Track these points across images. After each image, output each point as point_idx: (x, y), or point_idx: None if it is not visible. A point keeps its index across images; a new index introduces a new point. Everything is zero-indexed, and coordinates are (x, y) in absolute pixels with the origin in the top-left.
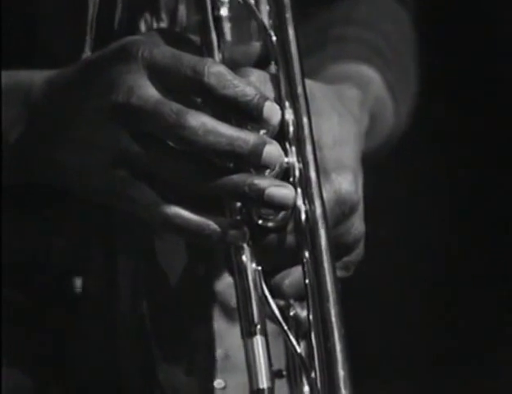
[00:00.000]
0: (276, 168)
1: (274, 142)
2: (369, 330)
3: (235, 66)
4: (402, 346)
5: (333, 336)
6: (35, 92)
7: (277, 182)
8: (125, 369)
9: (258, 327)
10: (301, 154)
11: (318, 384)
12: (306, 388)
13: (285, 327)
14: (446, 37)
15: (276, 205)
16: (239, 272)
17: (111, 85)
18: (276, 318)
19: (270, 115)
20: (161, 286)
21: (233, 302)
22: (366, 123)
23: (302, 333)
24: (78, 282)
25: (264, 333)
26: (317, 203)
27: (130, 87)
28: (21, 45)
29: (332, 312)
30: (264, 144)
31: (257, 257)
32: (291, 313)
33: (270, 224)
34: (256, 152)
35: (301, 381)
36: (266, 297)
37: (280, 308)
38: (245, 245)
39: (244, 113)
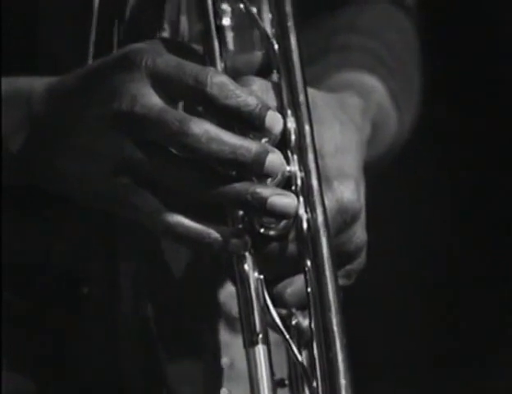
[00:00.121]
0: (279, 177)
1: (276, 151)
2: (371, 331)
3: (237, 74)
4: (404, 348)
5: (335, 345)
6: (36, 99)
7: (279, 191)
8: (127, 371)
9: (260, 336)
10: (303, 163)
11: (320, 393)
12: None
13: (287, 336)
14: (448, 39)
15: (278, 214)
16: (241, 281)
17: (113, 93)
18: (278, 327)
19: (272, 124)
20: (163, 288)
21: (235, 311)
22: (368, 131)
23: (304, 342)
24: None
25: (266, 342)
26: (319, 211)
27: (134, 95)
28: (22, 51)
29: (334, 321)
30: (267, 152)
31: (259, 266)
32: (293, 322)
33: (272, 233)
34: (259, 160)
35: (303, 390)
36: (268, 306)
37: (282, 317)
38: (247, 254)
39: (247, 123)
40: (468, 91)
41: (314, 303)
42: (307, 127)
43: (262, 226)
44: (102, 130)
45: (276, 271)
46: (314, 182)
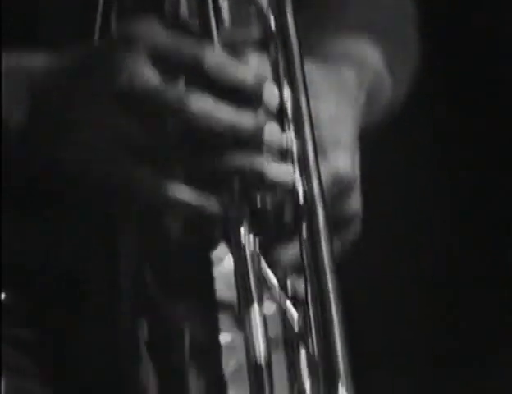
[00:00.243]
0: (276, 148)
1: (273, 123)
2: (369, 330)
3: (233, 49)
4: (402, 347)
5: (330, 308)
6: (36, 75)
7: (277, 162)
8: (128, 372)
9: (256, 300)
10: (299, 134)
11: (316, 354)
12: (303, 359)
13: (283, 299)
14: (448, 39)
15: (276, 184)
16: (236, 245)
17: (112, 71)
18: (274, 289)
19: (269, 97)
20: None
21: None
22: (362, 102)
23: (300, 305)
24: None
25: (262, 307)
26: (315, 181)
27: (132, 73)
28: (22, 26)
29: (329, 285)
30: (264, 125)
31: (255, 231)
32: (289, 285)
33: (269, 203)
34: (256, 133)
35: (298, 352)
36: (264, 269)
37: (278, 280)
38: (244, 221)
39: (244, 96)
40: (468, 91)
41: (310, 270)
42: (303, 100)
43: (258, 197)
44: (102, 107)
45: (272, 239)
46: (310, 153)
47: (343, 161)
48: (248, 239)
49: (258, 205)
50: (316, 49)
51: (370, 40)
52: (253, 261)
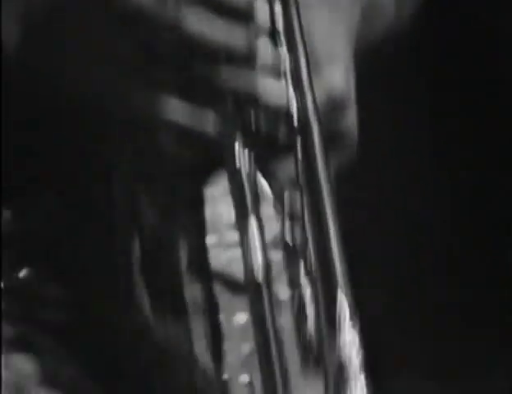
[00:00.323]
0: (269, 65)
1: (266, 38)
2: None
3: None
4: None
5: (327, 226)
6: None
7: (270, 77)
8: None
9: (251, 208)
10: (292, 50)
11: (314, 266)
12: (303, 271)
13: (280, 212)
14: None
15: (270, 100)
16: (231, 157)
17: None
18: (271, 203)
19: (260, 14)
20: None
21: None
22: (357, 18)
23: (296, 217)
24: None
25: (257, 214)
26: (309, 97)
27: None
28: None
29: (326, 202)
30: (257, 40)
31: (249, 147)
32: (285, 196)
33: (262, 120)
34: (249, 50)
35: (298, 267)
36: (259, 178)
37: (274, 195)
38: (238, 138)
39: (236, 14)
40: (469, 91)
41: (306, 187)
42: (295, 15)
43: (252, 114)
44: (100, 28)
45: (267, 155)
46: (303, 69)
47: (338, 77)
48: (243, 154)
49: (252, 122)
50: None
51: None
52: (248, 175)
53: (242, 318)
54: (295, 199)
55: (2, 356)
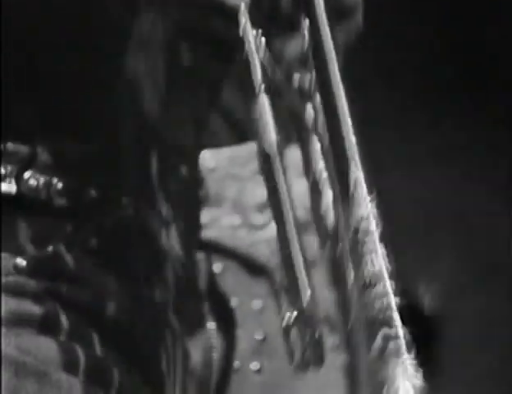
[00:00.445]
0: None
1: None
2: None
3: None
4: None
5: (337, 95)
6: None
7: None
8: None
9: (263, 86)
10: None
11: (325, 146)
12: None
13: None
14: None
15: None
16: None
17: None
18: (280, 82)
19: None
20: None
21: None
22: None
23: (307, 96)
24: None
25: (268, 92)
26: None
27: None
28: None
29: (335, 73)
30: None
31: (258, 24)
32: (295, 79)
33: None
34: None
35: (308, 145)
36: (267, 62)
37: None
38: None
39: None
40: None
41: (314, 56)
42: None
43: None
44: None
45: (274, 30)
46: None
47: None
48: (250, 32)
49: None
50: None
51: None
52: (257, 51)
53: (258, 304)
54: (305, 78)
55: (22, 338)
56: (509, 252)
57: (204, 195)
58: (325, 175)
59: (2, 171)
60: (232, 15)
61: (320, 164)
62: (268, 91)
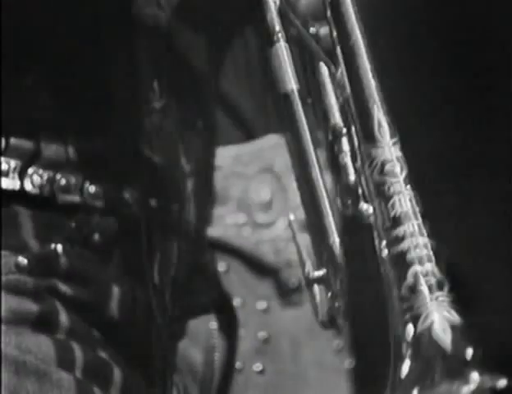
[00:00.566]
0: None
1: None
2: None
3: None
4: None
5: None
6: None
7: None
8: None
9: (280, 34)
10: None
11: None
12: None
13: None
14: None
15: None
16: None
17: None
18: (301, 33)
19: None
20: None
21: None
22: None
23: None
24: None
25: (285, 41)
26: None
27: None
28: None
29: (356, 34)
30: None
31: None
32: (311, 31)
33: None
34: None
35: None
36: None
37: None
38: None
39: None
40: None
41: (334, 20)
42: None
43: None
44: None
45: None
46: None
47: None
48: None
49: None
50: None
51: None
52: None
53: (262, 304)
54: (320, 30)
55: (23, 337)
56: None
57: (212, 193)
58: (344, 129)
59: (5, 166)
60: None
61: (337, 117)
62: (286, 40)
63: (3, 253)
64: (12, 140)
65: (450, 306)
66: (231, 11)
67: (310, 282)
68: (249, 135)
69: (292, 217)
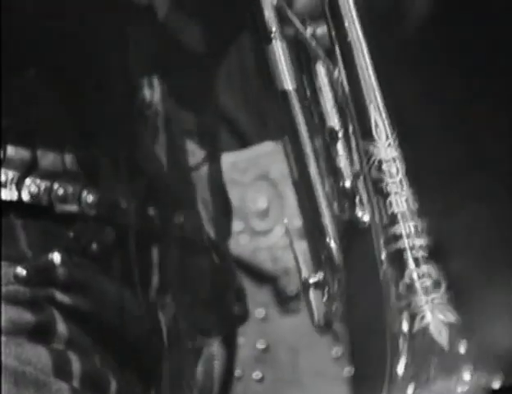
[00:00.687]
0: None
1: None
2: None
3: None
4: None
5: (356, 43)
6: None
7: None
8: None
9: (277, 33)
10: None
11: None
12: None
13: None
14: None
15: None
16: None
17: None
18: (299, 32)
19: None
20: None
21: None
22: None
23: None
24: None
25: (282, 39)
26: None
27: None
28: None
29: (354, 31)
30: None
31: None
32: (308, 32)
33: None
34: None
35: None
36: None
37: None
38: None
39: None
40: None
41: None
42: None
43: None
44: None
45: None
46: None
47: None
48: None
49: None
50: None
51: None
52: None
53: (261, 312)
54: (317, 29)
55: (22, 348)
56: None
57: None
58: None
59: (4, 177)
60: None
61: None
62: (282, 38)
63: (2, 263)
64: (9, 150)
65: (446, 307)
66: (228, 11)
67: (306, 287)
68: (244, 142)
69: (288, 222)
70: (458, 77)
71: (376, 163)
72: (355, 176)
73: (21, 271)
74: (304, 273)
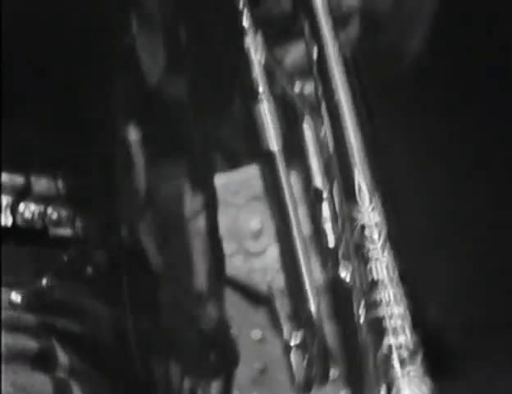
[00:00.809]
0: None
1: None
2: None
3: None
4: None
5: (342, 102)
6: None
7: None
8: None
9: (264, 94)
10: None
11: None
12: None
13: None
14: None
15: None
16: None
17: None
18: (286, 91)
19: None
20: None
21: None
22: None
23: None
24: None
25: (269, 100)
26: None
27: None
28: None
29: (341, 88)
30: None
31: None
32: (296, 89)
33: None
34: None
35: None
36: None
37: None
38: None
39: None
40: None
41: (319, 74)
42: None
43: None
44: None
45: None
46: None
47: None
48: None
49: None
50: None
51: None
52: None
53: (257, 334)
54: (305, 87)
55: (18, 375)
56: None
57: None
58: (325, 193)
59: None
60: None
61: (318, 180)
62: (270, 98)
63: None
64: (4, 177)
65: (421, 380)
66: (216, 68)
67: (288, 350)
68: (236, 162)
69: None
70: (449, 141)
71: (358, 227)
72: (339, 238)
73: (16, 297)
74: (286, 335)
